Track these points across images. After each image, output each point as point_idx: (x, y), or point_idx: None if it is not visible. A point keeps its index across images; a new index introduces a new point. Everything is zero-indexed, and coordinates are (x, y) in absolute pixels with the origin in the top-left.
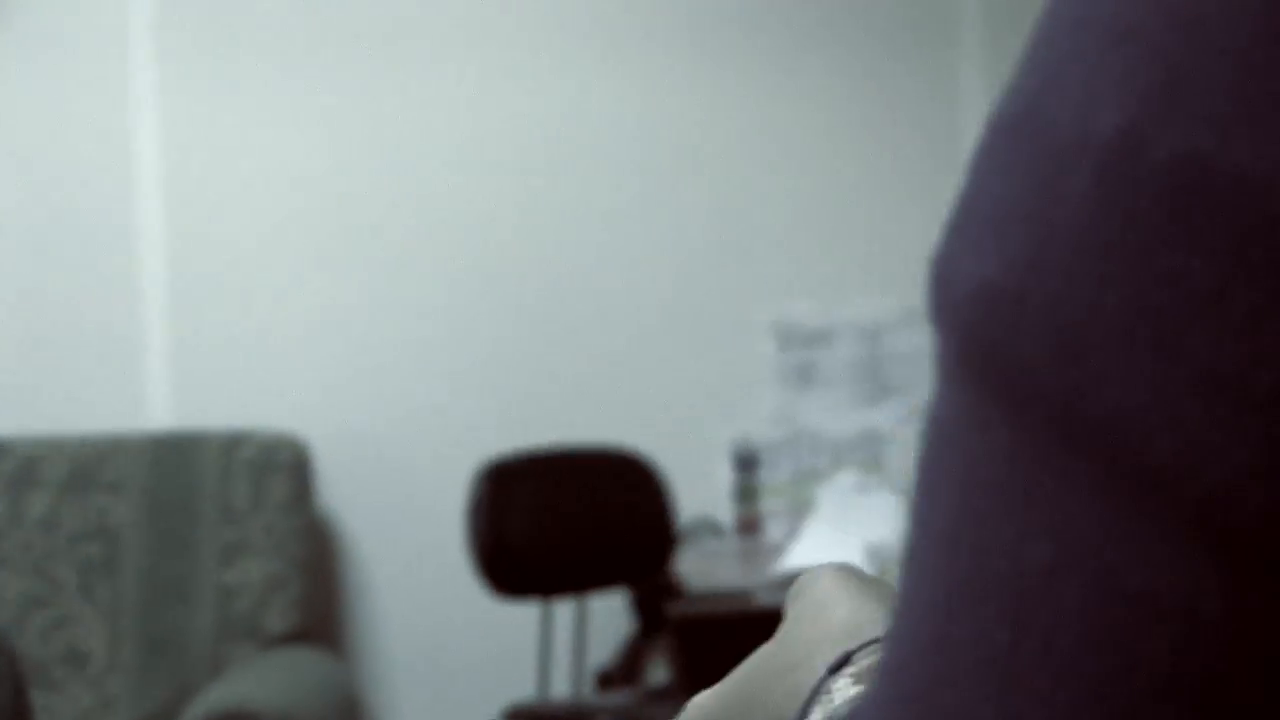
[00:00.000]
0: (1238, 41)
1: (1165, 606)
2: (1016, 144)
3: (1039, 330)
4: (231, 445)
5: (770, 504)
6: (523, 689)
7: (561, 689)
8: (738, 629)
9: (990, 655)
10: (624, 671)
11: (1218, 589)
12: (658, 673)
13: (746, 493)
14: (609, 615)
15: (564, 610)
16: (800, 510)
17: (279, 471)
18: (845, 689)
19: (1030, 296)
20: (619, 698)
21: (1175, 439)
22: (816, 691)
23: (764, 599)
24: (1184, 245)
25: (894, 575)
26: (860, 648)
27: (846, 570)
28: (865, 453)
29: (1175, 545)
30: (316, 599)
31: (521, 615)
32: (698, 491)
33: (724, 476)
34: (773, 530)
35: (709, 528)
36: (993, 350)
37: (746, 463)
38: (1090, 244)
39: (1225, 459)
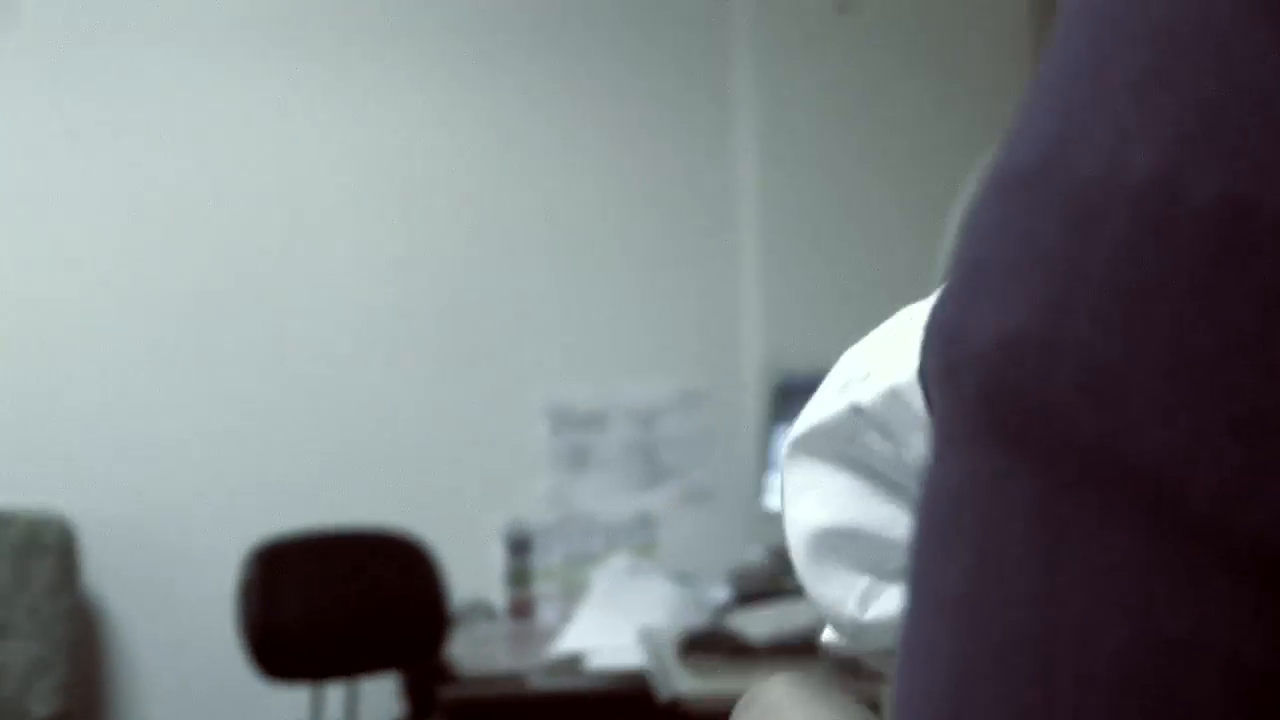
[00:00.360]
0: (1272, 84)
1: (1209, 652)
2: (1037, 192)
3: (1073, 375)
4: None
5: (543, 587)
6: None
7: None
8: (510, 713)
9: (1022, 716)
10: None
11: (1263, 632)
12: None
13: (519, 576)
14: (380, 698)
15: (335, 693)
16: (573, 594)
17: (44, 553)
18: None
19: (1063, 342)
20: None
21: (1218, 481)
22: None
23: (536, 683)
24: (1225, 287)
25: (670, 658)
26: None
27: (799, 680)
28: (639, 536)
29: (1218, 589)
30: (81, 683)
31: (291, 699)
32: (471, 574)
33: (497, 559)
34: (546, 614)
35: (482, 611)
36: (1020, 398)
37: (519, 546)
38: (1126, 287)
39: (1270, 500)
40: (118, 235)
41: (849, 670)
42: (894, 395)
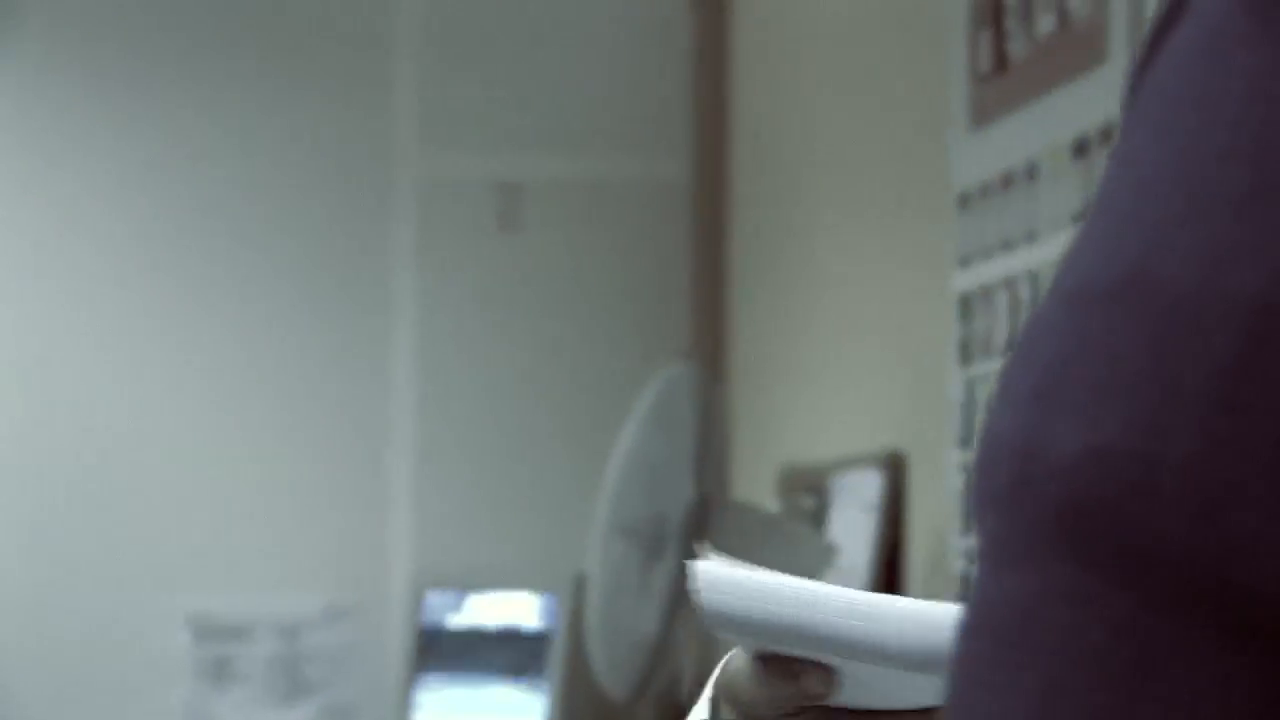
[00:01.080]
0: None
1: None
2: (1123, 307)
3: (1174, 492)
4: None
5: None
6: None
7: None
8: None
9: None
10: None
11: None
12: None
13: None
14: None
15: None
16: None
17: None
18: None
19: (1163, 457)
20: None
21: None
22: None
23: None
24: None
25: None
26: None
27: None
28: None
29: None
30: None
31: None
32: None
33: None
34: None
35: None
36: (1110, 514)
37: None
38: (1233, 403)
39: None
40: None
41: None
42: None
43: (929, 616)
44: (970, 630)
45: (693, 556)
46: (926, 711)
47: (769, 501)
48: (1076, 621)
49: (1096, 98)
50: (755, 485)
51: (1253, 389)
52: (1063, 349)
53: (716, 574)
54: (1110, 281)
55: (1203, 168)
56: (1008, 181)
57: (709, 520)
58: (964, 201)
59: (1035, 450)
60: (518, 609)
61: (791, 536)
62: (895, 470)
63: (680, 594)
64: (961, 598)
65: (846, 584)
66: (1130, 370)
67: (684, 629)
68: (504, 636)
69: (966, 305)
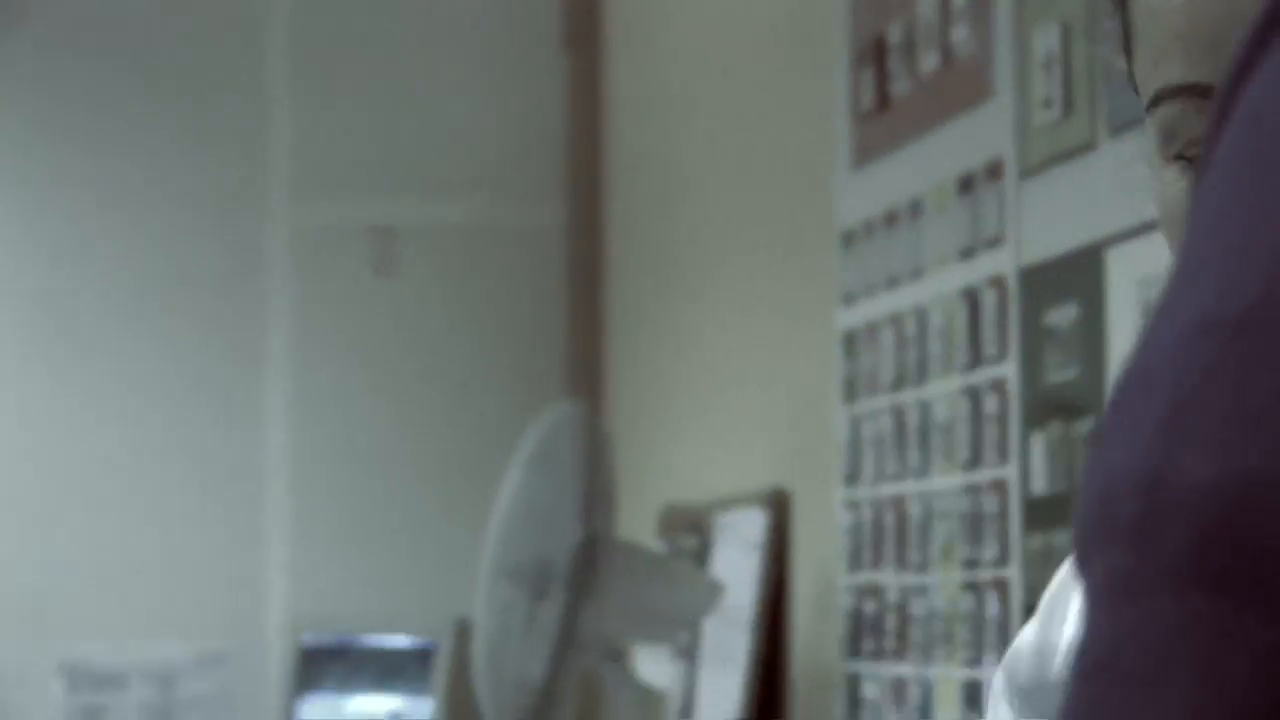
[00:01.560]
0: None
1: None
2: (1252, 338)
3: None
4: None
5: None
6: None
7: None
8: None
9: None
10: None
11: None
12: None
13: None
14: None
15: None
16: None
17: None
18: None
19: None
20: None
21: None
22: None
23: None
24: None
25: None
26: None
27: None
28: None
29: None
30: None
31: None
32: None
33: None
34: None
35: None
36: (1254, 544)
37: None
38: None
39: None
40: None
41: None
42: None
43: None
44: (1096, 669)
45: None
46: None
47: (650, 542)
48: (1219, 653)
49: (981, 134)
50: (636, 526)
51: None
52: (1188, 380)
53: None
54: (1236, 312)
55: None
56: (892, 219)
57: (595, 561)
58: (847, 239)
59: (1166, 481)
60: (398, 658)
61: (678, 576)
62: (779, 508)
63: (567, 637)
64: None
65: (732, 623)
66: (1264, 399)
67: (571, 671)
68: (385, 663)
69: (850, 342)
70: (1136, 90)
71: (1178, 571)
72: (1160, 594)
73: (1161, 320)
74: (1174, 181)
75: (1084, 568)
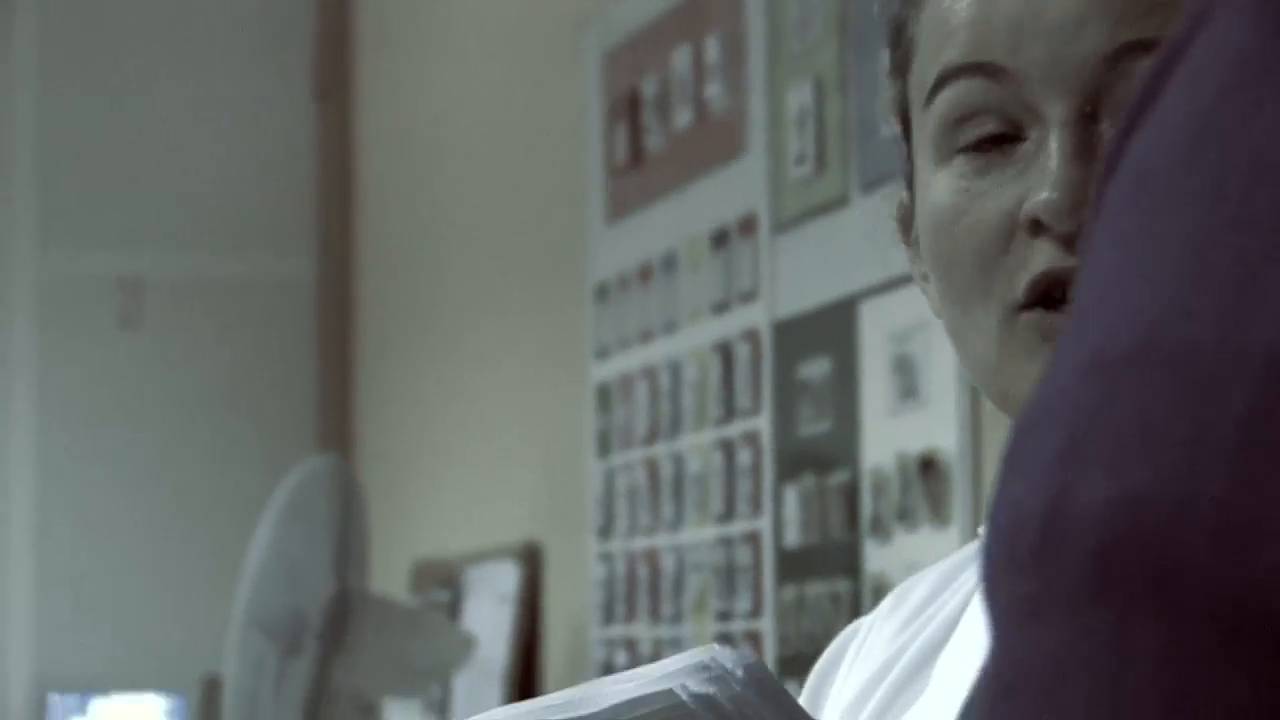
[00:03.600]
0: None
1: None
2: (1144, 368)
3: (1207, 529)
4: None
5: None
6: None
7: None
8: None
9: None
10: None
11: None
12: None
13: None
14: None
15: None
16: None
17: None
18: None
19: (1193, 499)
20: None
21: None
22: None
23: None
24: None
25: None
26: None
27: None
28: None
29: None
30: None
31: None
32: None
33: None
34: None
35: None
36: (1147, 554)
37: None
38: (1259, 447)
39: None
40: None
41: None
42: None
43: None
44: (1004, 692)
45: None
46: None
47: (403, 596)
48: (1120, 659)
49: (735, 189)
50: (388, 580)
51: (1272, 431)
52: (1084, 412)
53: None
54: (1129, 346)
55: (1215, 235)
56: (646, 273)
57: (347, 615)
58: (601, 293)
59: (1061, 506)
60: (144, 712)
61: (430, 629)
62: (532, 561)
63: (319, 690)
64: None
65: (485, 676)
66: (1155, 423)
67: None
68: None
69: (604, 396)
70: (903, 118)
71: (1076, 589)
72: (1060, 612)
73: (1057, 363)
74: (949, 181)
75: (990, 601)
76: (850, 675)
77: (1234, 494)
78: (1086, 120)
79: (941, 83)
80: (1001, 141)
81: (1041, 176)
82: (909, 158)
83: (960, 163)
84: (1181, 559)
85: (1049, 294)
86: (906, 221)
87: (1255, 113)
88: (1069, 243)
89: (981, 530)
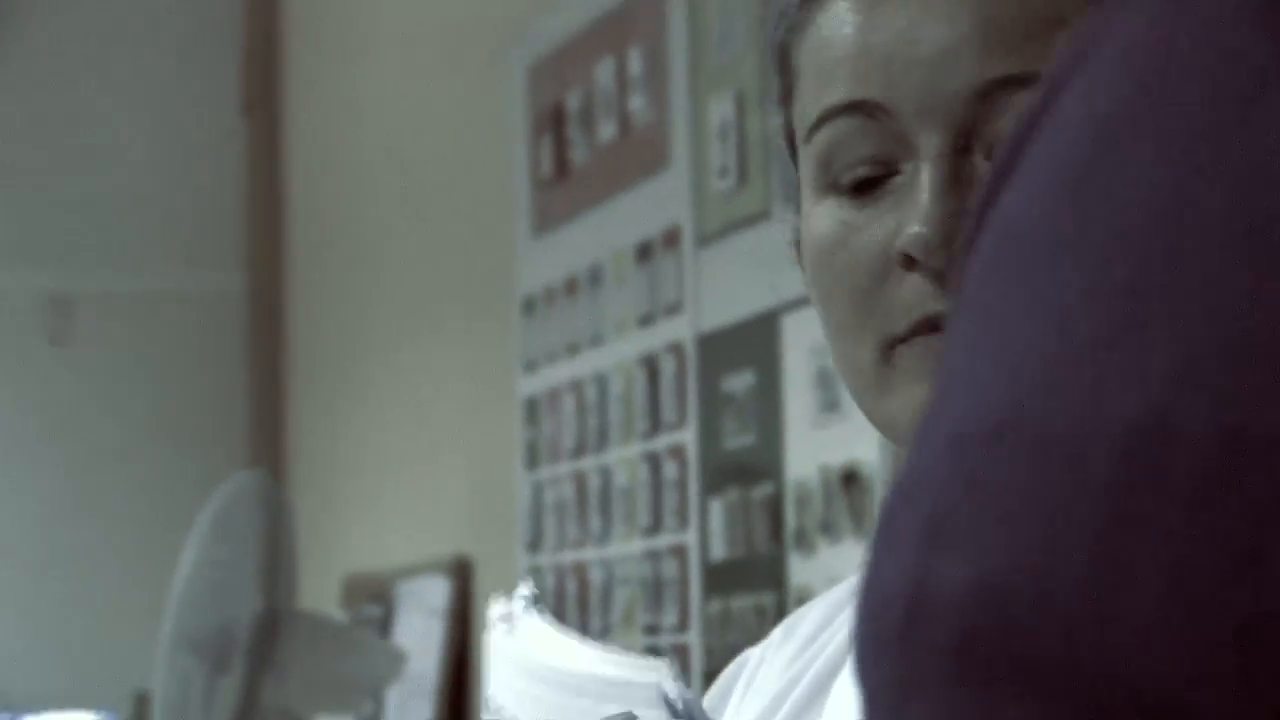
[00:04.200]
0: (1251, 324)
1: None
2: (1003, 447)
3: (1067, 607)
4: None
5: None
6: None
7: None
8: None
9: None
10: None
11: None
12: None
13: None
14: None
15: None
16: None
17: None
18: None
19: (1052, 577)
20: None
21: (1221, 693)
22: None
23: None
24: (1220, 512)
25: None
26: None
27: None
28: None
29: None
30: None
31: None
32: None
33: None
34: None
35: None
36: (1010, 638)
37: None
38: (1118, 524)
39: (1270, 707)
40: None
41: None
42: None
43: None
44: None
45: (260, 669)
46: None
47: (333, 611)
48: None
49: (659, 202)
50: (318, 595)
51: (1137, 509)
52: (946, 492)
53: None
54: (989, 423)
55: (1074, 303)
56: (572, 287)
57: (276, 631)
58: (528, 307)
59: (925, 589)
60: None
61: (360, 645)
62: (462, 575)
63: (248, 708)
64: None
65: (416, 691)
66: (1014, 504)
67: None
68: None
69: (532, 409)
70: (791, 143)
71: (941, 672)
72: (927, 696)
73: (922, 435)
74: (828, 214)
75: (861, 683)
76: (743, 706)
77: (1091, 574)
78: (959, 153)
79: (820, 123)
80: (880, 178)
81: (913, 210)
82: (798, 185)
83: (837, 197)
84: (1039, 643)
85: (931, 327)
86: (798, 245)
87: (1116, 174)
88: (941, 278)
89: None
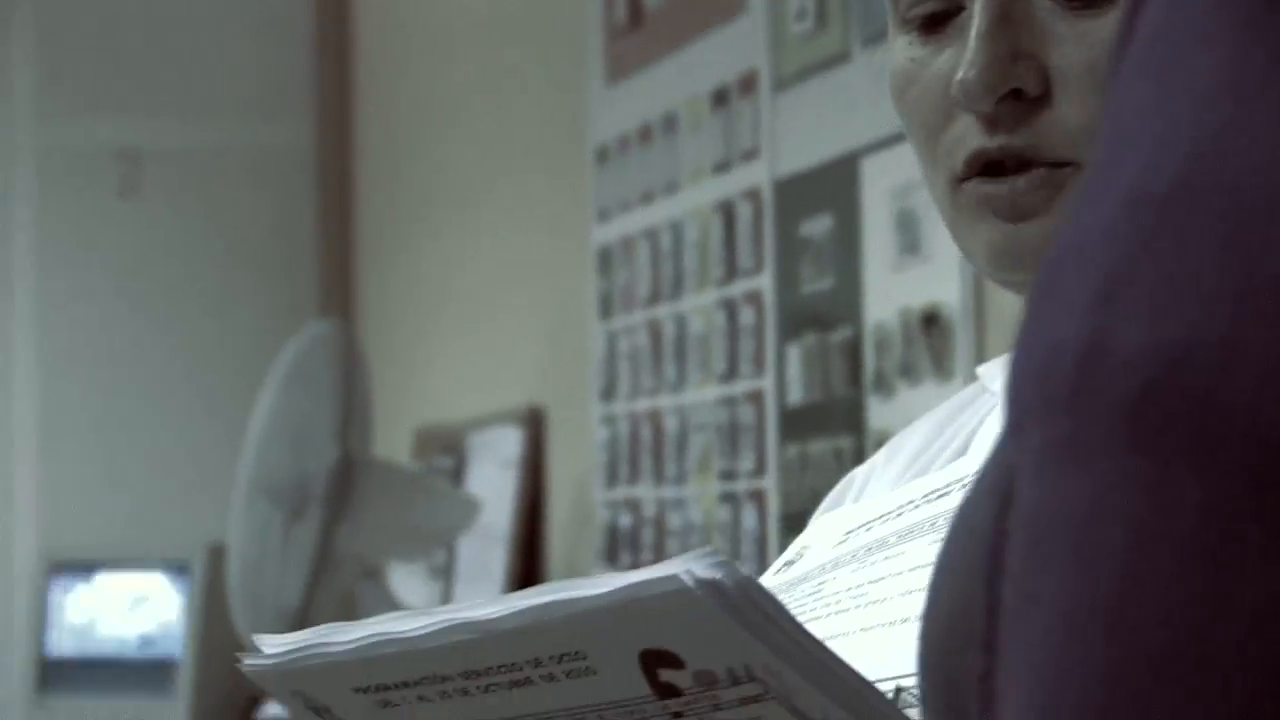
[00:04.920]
0: None
1: None
2: (1185, 210)
3: (1254, 375)
4: None
5: None
6: None
7: None
8: None
9: (1181, 717)
10: None
11: None
12: None
13: None
14: None
15: None
16: None
17: None
18: None
19: (1240, 343)
20: None
21: None
22: None
23: None
24: None
25: None
26: None
27: None
28: None
29: None
30: None
31: None
32: None
33: None
34: None
35: None
36: (1189, 403)
37: None
38: None
39: None
40: None
41: None
42: None
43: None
44: (1036, 540)
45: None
46: None
47: (406, 463)
48: (1155, 510)
49: (735, 47)
50: (390, 447)
51: None
52: (1124, 252)
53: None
54: (1168, 184)
55: (1251, 77)
56: (646, 134)
57: (351, 480)
58: (602, 156)
59: (1102, 350)
60: (150, 581)
61: (433, 494)
62: (535, 425)
63: (323, 556)
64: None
65: (489, 540)
66: (1198, 266)
67: (327, 591)
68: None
69: (606, 259)
70: None
71: (1113, 435)
72: (1097, 458)
73: (1087, 200)
74: (901, 50)
75: (1019, 441)
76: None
77: (1277, 340)
78: None
79: None
80: (947, 14)
81: (964, 53)
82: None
83: (909, 33)
84: (1222, 409)
85: (985, 168)
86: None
87: None
88: (992, 122)
89: (982, 370)
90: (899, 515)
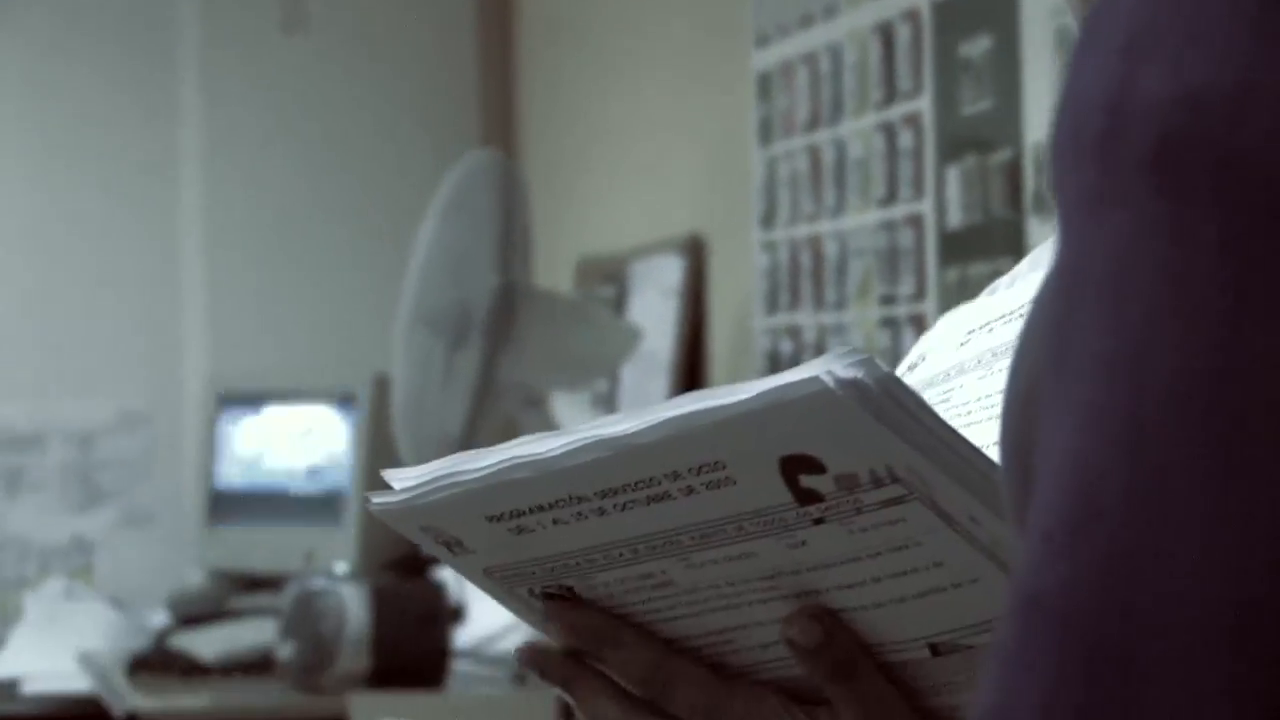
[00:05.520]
0: None
1: None
2: None
3: (1266, 120)
4: None
5: None
6: None
7: None
8: None
9: (1206, 452)
10: None
11: None
12: None
13: None
14: None
15: None
16: (8, 619)
17: None
18: None
19: (1257, 89)
20: None
21: None
22: None
23: None
24: None
25: (119, 680)
26: None
27: None
28: (74, 560)
29: None
30: None
31: None
32: None
33: None
34: None
35: None
36: (1208, 148)
37: None
38: None
39: None
40: None
41: None
42: None
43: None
44: (1070, 285)
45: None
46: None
47: (567, 293)
48: (1183, 249)
49: None
50: (552, 278)
51: None
52: (1146, 6)
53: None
54: None
55: None
56: None
57: (513, 308)
58: None
59: (1127, 98)
60: (316, 411)
61: (595, 322)
62: (696, 253)
63: (485, 383)
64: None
65: (651, 368)
66: (1219, 19)
67: (490, 419)
68: (303, 418)
69: (765, 84)
70: None
71: (1138, 181)
72: (1123, 204)
73: None
74: None
75: (1058, 192)
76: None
77: None
78: None
79: None
80: None
81: None
82: None
83: None
84: (1240, 149)
85: None
86: None
87: None
88: None
89: None
90: (1022, 316)
